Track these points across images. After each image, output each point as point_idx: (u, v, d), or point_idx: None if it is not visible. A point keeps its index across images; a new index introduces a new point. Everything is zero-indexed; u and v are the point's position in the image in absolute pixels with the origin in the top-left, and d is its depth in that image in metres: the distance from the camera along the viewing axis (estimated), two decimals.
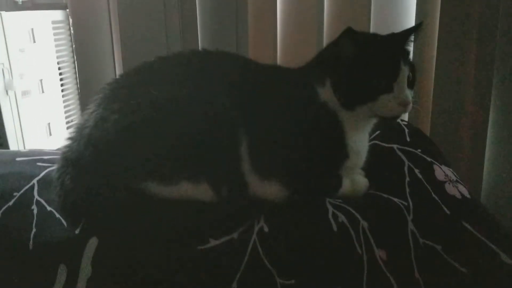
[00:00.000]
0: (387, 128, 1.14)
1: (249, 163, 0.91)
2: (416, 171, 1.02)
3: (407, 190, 0.98)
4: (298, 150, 0.93)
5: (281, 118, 0.93)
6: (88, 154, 0.88)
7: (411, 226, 0.91)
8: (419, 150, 1.08)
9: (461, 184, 1.03)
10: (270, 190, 0.92)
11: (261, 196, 0.93)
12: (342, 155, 0.96)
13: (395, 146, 1.09)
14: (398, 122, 1.18)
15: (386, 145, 1.09)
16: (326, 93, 0.95)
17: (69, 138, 0.94)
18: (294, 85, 0.98)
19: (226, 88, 0.92)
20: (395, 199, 0.96)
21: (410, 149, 1.07)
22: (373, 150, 1.06)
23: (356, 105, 0.92)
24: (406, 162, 1.04)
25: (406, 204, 0.94)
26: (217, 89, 0.91)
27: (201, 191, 0.88)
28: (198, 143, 0.87)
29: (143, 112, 0.87)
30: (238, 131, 0.90)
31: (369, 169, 1.04)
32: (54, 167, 0.95)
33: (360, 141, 0.99)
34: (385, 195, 0.97)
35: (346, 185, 0.99)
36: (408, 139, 1.11)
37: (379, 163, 1.05)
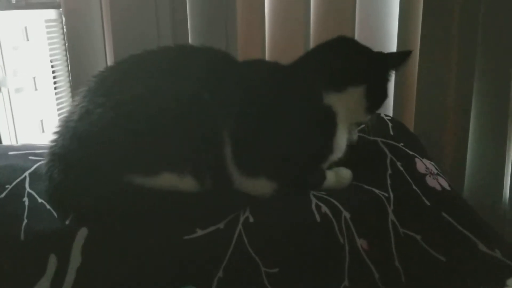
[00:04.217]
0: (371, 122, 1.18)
1: (234, 162, 0.93)
2: (398, 163, 1.05)
3: (389, 182, 1.01)
4: (291, 146, 0.96)
5: (278, 117, 0.96)
6: (73, 147, 0.89)
7: (391, 216, 0.93)
8: (402, 144, 1.11)
9: (442, 177, 1.06)
10: (256, 187, 0.95)
11: (246, 192, 0.95)
12: (329, 150, 1.00)
13: (378, 139, 1.12)
14: (382, 117, 1.21)
15: (370, 138, 1.12)
16: (333, 98, 0.98)
17: (55, 133, 0.96)
18: (298, 89, 1.00)
19: (210, 84, 0.94)
20: (377, 191, 0.98)
21: (393, 143, 1.10)
22: (358, 143, 1.09)
23: (375, 111, 1.07)
24: (389, 155, 1.07)
25: (387, 195, 0.97)
26: (201, 84, 0.94)
27: (185, 183, 0.90)
28: (180, 136, 0.90)
29: (126, 106, 0.89)
30: (221, 126, 0.92)
31: (353, 161, 1.07)
32: (43, 162, 0.96)
33: (344, 137, 1.03)
34: (367, 187, 1.00)
35: (331, 177, 1.02)
36: (391, 133, 1.15)
37: (362, 155, 1.08)
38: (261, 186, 0.95)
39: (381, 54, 1.04)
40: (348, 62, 1.02)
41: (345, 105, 0.99)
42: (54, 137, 0.95)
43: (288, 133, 0.95)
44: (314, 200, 0.94)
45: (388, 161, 1.06)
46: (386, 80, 1.03)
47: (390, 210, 0.95)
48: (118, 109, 0.89)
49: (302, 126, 0.96)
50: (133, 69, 0.98)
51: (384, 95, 1.04)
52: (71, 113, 0.94)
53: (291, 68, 1.04)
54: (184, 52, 1.04)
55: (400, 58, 1.04)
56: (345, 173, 1.05)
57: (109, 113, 0.89)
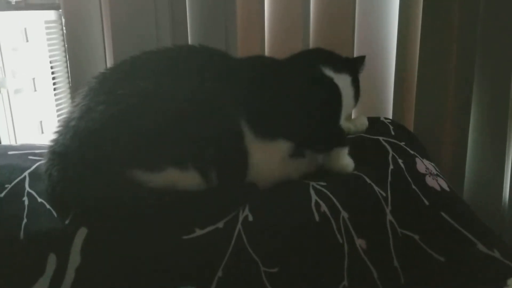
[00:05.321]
0: (372, 124, 1.19)
1: (252, 132, 0.95)
2: (399, 161, 1.06)
3: (389, 179, 1.01)
4: (301, 106, 1.02)
5: (291, 89, 1.02)
6: (74, 145, 0.89)
7: (389, 216, 0.94)
8: (403, 143, 1.12)
9: (441, 177, 1.06)
10: (274, 150, 0.98)
11: (261, 164, 0.96)
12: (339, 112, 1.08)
13: (380, 138, 1.13)
14: (382, 120, 1.22)
15: (372, 136, 1.14)
16: (333, 75, 1.09)
17: (56, 132, 0.95)
18: (298, 66, 1.11)
19: (213, 76, 0.96)
20: (376, 188, 0.99)
21: (395, 141, 1.11)
22: (360, 141, 1.12)
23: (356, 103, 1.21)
24: (391, 151, 1.08)
25: (385, 195, 0.98)
26: (204, 78, 0.95)
27: (189, 178, 0.90)
28: (184, 130, 0.89)
29: (129, 101, 0.89)
30: (232, 110, 0.94)
31: (355, 154, 1.08)
32: (43, 161, 0.96)
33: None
34: (368, 180, 1.00)
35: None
36: (392, 133, 1.15)
37: (365, 149, 1.10)
38: (279, 148, 0.99)
39: (351, 58, 1.22)
40: (339, 56, 1.19)
41: (342, 85, 1.09)
42: (54, 136, 0.95)
43: (297, 97, 1.01)
44: (314, 197, 0.94)
45: (390, 157, 1.07)
46: (358, 78, 1.19)
47: (387, 210, 0.95)
48: (121, 104, 0.89)
49: (310, 90, 1.04)
50: (135, 68, 0.98)
51: (359, 91, 1.19)
52: (71, 112, 0.94)
53: (288, 58, 1.14)
54: (185, 51, 1.05)
55: (361, 61, 1.21)
56: (349, 160, 1.07)
57: (111, 109, 0.88)
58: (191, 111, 0.91)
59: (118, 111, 0.88)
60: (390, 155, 1.07)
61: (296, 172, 1.02)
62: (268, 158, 0.97)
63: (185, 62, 0.99)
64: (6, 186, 0.93)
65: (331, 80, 1.08)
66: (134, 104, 0.89)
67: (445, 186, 1.04)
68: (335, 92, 1.08)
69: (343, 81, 1.12)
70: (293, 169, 1.02)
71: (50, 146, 0.94)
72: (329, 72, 1.09)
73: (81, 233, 0.84)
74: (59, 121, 1.00)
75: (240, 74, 1.01)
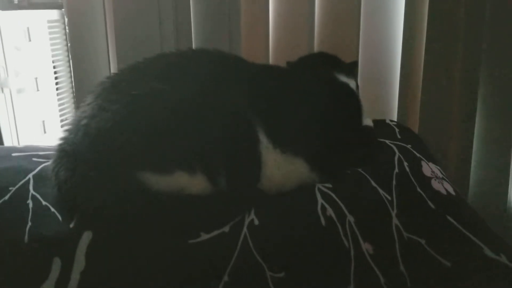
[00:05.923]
0: (378, 127, 1.19)
1: (269, 141, 0.95)
2: (405, 164, 1.05)
3: (394, 182, 1.01)
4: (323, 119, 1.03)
5: (309, 99, 1.02)
6: (84, 144, 0.88)
7: (395, 220, 0.93)
8: (410, 146, 1.11)
9: (447, 181, 1.06)
10: (294, 165, 0.97)
11: (277, 176, 0.96)
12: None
13: (386, 140, 1.13)
14: (388, 123, 1.22)
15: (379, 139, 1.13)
16: (347, 80, 1.13)
17: (66, 130, 0.95)
18: (313, 74, 1.12)
19: (229, 82, 0.96)
20: (381, 191, 0.98)
21: (401, 144, 1.11)
22: None
23: None
24: (397, 153, 1.08)
25: (390, 199, 0.97)
26: (219, 83, 0.94)
27: (196, 182, 0.89)
28: (194, 133, 0.89)
29: (143, 102, 0.89)
30: (246, 115, 0.93)
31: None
32: (51, 160, 0.95)
33: None
34: (374, 184, 1.00)
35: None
36: (398, 136, 1.15)
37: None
38: (301, 168, 0.98)
39: (348, 63, 1.21)
40: (343, 61, 1.20)
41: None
42: (64, 134, 0.94)
43: (321, 107, 1.02)
44: (320, 201, 0.94)
45: (396, 158, 1.06)
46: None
47: (393, 214, 0.94)
48: (134, 105, 0.88)
49: (332, 99, 1.05)
50: (149, 70, 0.98)
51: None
52: (82, 111, 0.93)
53: (297, 63, 1.17)
54: (200, 54, 1.06)
55: (356, 66, 1.24)
56: None
57: (124, 109, 0.88)
58: (203, 115, 0.90)
59: (131, 111, 0.88)
60: (396, 158, 1.07)
61: (310, 180, 1.01)
62: (287, 171, 0.97)
63: (200, 65, 0.99)
64: (10, 188, 0.92)
65: (348, 85, 1.10)
66: (147, 105, 0.89)
67: (450, 190, 1.03)
68: (355, 97, 1.10)
69: (353, 86, 1.13)
70: (310, 179, 1.01)
71: (59, 145, 0.94)
72: (343, 78, 1.10)
73: (86, 237, 0.84)
74: (69, 119, 1.00)
75: (257, 80, 1.00)
